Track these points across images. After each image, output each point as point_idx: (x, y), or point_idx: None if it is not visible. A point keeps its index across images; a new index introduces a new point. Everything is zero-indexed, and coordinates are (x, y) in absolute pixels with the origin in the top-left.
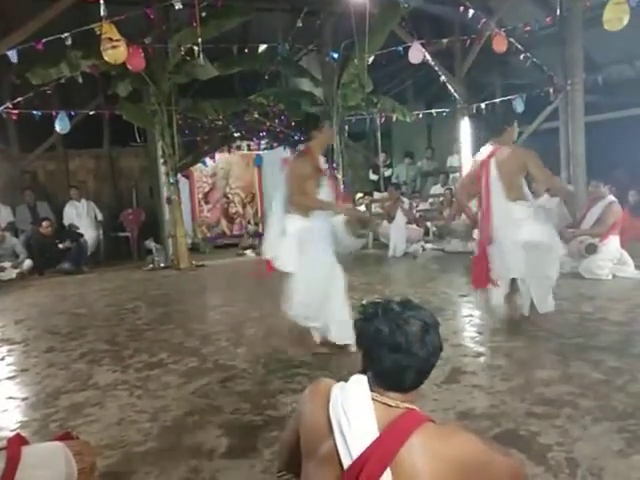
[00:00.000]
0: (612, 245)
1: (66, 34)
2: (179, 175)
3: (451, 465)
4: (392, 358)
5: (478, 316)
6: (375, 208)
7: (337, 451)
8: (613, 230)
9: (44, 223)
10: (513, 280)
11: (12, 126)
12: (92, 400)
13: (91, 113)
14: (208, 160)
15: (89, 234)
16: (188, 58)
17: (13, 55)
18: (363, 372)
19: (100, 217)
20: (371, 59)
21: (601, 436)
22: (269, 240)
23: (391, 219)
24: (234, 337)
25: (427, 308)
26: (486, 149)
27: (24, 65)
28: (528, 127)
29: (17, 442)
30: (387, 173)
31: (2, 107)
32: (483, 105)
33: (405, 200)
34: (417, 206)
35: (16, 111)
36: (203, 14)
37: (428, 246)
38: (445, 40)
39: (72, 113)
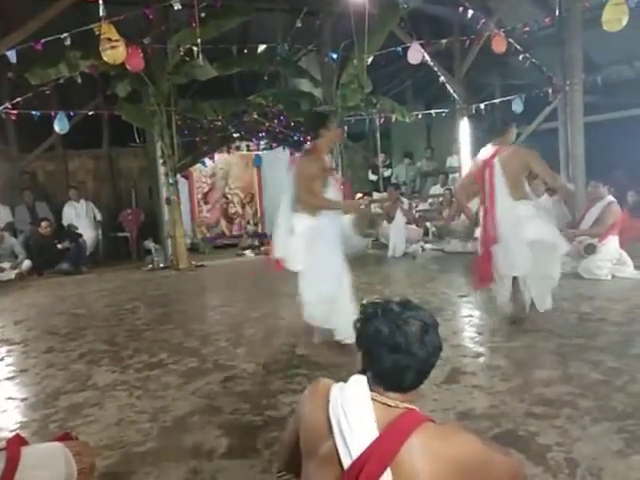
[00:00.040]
0: (611, 245)
1: (65, 34)
2: (178, 175)
3: (451, 465)
4: (392, 358)
5: (477, 316)
6: (374, 208)
7: (337, 451)
8: (612, 230)
9: (43, 223)
10: (515, 279)
11: (11, 126)
12: (91, 400)
13: (90, 113)
14: (207, 160)
15: (88, 234)
16: (187, 58)
17: (12, 55)
18: (363, 372)
19: (99, 217)
20: (370, 59)
21: (600, 436)
22: (277, 240)
23: (390, 219)
24: (234, 337)
25: (427, 308)
26: (488, 149)
27: (23, 65)
28: (527, 127)
29: (17, 443)
30: (386, 173)
31: (1, 107)
32: (482, 105)
33: (404, 200)
34: (416, 206)
35: (15, 111)
36: (202, 14)
37: (427, 246)
38: (444, 40)
39: (71, 113)
